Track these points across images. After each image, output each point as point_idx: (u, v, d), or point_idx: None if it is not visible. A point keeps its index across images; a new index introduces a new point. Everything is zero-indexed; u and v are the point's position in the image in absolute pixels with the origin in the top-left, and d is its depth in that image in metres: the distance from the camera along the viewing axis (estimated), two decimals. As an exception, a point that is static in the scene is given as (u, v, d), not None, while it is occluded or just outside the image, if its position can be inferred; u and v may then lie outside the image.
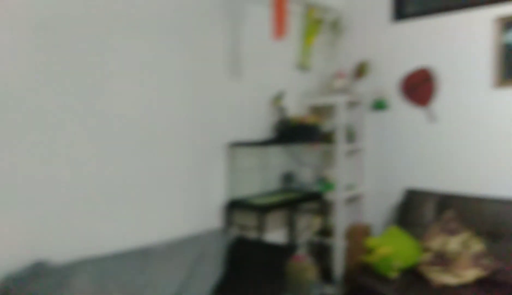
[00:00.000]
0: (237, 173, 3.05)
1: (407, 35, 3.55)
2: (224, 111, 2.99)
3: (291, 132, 3.26)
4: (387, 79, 3.66)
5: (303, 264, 2.51)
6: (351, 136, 3.71)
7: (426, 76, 3.44)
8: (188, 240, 2.58)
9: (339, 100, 3.49)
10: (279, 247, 2.58)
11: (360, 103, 3.82)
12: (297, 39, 3.61)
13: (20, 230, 2.03)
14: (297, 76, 3.63)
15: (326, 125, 3.88)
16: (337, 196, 3.55)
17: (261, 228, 2.77)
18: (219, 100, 2.95)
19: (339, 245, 3.58)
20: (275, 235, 3.44)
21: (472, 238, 2.89)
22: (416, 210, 3.26)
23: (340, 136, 3.49)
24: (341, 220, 3.56)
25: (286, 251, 2.52)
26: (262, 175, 3.29)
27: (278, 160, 3.45)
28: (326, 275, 3.66)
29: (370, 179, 3.81)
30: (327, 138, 3.66)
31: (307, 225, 3.77)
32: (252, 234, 3.06)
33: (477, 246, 2.84)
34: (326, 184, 3.71)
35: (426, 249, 2.98)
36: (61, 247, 2.17)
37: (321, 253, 3.72)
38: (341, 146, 3.50)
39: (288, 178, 3.51)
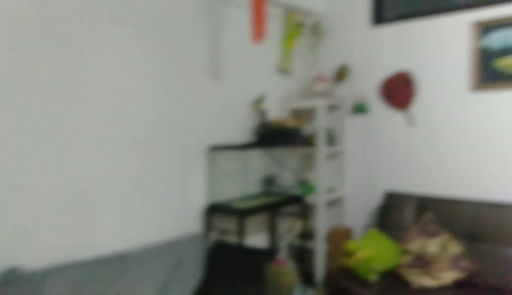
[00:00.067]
0: (217, 177, 3.03)
1: (386, 39, 3.58)
2: (204, 114, 2.97)
3: (272, 136, 3.25)
4: (367, 83, 3.69)
5: (284, 268, 2.50)
6: (331, 139, 3.72)
7: (405, 80, 3.48)
8: (166, 245, 2.55)
9: (320, 103, 3.50)
10: (258, 251, 2.56)
11: (340, 107, 3.83)
12: (277, 42, 3.61)
13: (-8, 236, 1.98)
14: (277, 79, 3.63)
15: (306, 129, 3.88)
16: (318, 199, 3.55)
17: (241, 232, 2.75)
18: (199, 103, 2.93)
19: (320, 248, 3.58)
20: (256, 239, 3.43)
21: (451, 240, 2.91)
22: (395, 213, 3.28)
23: (320, 140, 3.50)
24: (322, 223, 3.57)
25: (265, 255, 2.50)
26: (243, 179, 3.28)
27: (259, 163, 3.44)
28: (307, 278, 3.65)
29: (350, 182, 3.82)
30: (307, 141, 3.66)
31: (288, 229, 3.77)
32: (232, 238, 3.04)
33: (455, 248, 2.87)
34: (307, 187, 3.71)
35: (405, 252, 3.00)
36: (35, 253, 2.12)
37: (302, 256, 3.72)
38: (321, 149, 3.51)
39: (269, 181, 3.50)
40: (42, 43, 2.12)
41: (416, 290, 2.73)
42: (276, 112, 3.61)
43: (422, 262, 2.88)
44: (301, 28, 3.74)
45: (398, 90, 3.51)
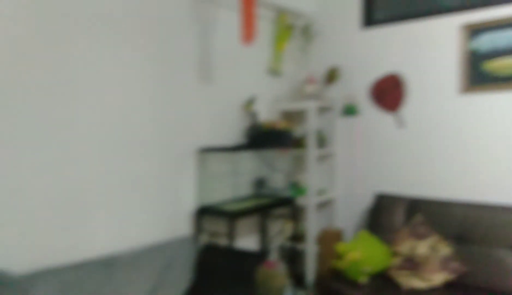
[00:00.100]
0: (207, 179, 3.02)
1: (376, 41, 3.59)
2: (194, 116, 2.96)
3: (263, 138, 3.25)
4: (357, 85, 3.70)
5: (274, 271, 2.49)
6: (322, 141, 3.72)
7: (395, 82, 3.49)
8: (156, 248, 2.53)
9: (310, 105, 3.50)
10: (249, 253, 2.55)
11: (331, 109, 3.84)
12: (268, 44, 3.61)
13: (-22, 240, 1.95)
14: (268, 81, 3.63)
15: (297, 131, 3.88)
16: (308, 201, 3.55)
17: (231, 234, 2.74)
18: (189, 105, 2.92)
19: (311, 250, 3.58)
20: (247, 241, 3.42)
21: (440, 241, 2.92)
22: (386, 215, 3.28)
23: (311, 142, 3.50)
24: (312, 225, 3.57)
25: (256, 257, 2.49)
26: (233, 181, 3.27)
27: (250, 165, 3.43)
28: (298, 280, 3.65)
29: (341, 183, 3.82)
30: (298, 143, 3.66)
31: (279, 231, 3.76)
32: (222, 241, 3.03)
33: (445, 249, 2.88)
34: (297, 189, 3.71)
35: (395, 253, 3.01)
36: (22, 256, 2.10)
37: (293, 258, 3.71)
38: (312, 151, 3.51)
39: (259, 183, 3.49)
40: (35, 44, 2.10)
41: (406, 292, 2.73)
42: (266, 114, 3.61)
43: (412, 264, 2.89)
44: (291, 30, 3.74)
45: (388, 92, 3.52)
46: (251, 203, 3.12)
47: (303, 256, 3.72)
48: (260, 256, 2.50)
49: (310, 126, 3.50)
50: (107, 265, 2.27)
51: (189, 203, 2.93)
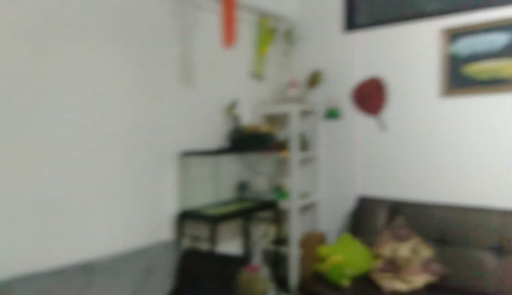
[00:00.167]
0: (189, 183, 2.99)
1: (358, 45, 3.62)
2: (176, 120, 2.93)
3: (245, 141, 3.24)
4: (340, 88, 3.71)
5: (256, 275, 2.48)
6: (305, 144, 3.73)
7: (376, 85, 3.51)
8: (136, 253, 2.50)
9: (293, 109, 3.51)
10: (230, 258, 2.54)
11: (314, 112, 3.85)
12: (251, 48, 3.61)
13: (-49, 247, 1.90)
14: (251, 85, 3.62)
15: (280, 134, 3.88)
16: (291, 204, 3.55)
17: (212, 239, 2.72)
18: (171, 108, 2.90)
19: (294, 253, 3.57)
20: (230, 245, 3.40)
21: (422, 244, 2.94)
22: (368, 217, 3.30)
23: (294, 145, 3.50)
24: (296, 228, 3.56)
25: (237, 262, 2.48)
26: (216, 185, 3.25)
27: (232, 169, 3.42)
28: (282, 284, 3.64)
29: (324, 187, 3.83)
30: (281, 147, 3.66)
31: (263, 234, 3.75)
32: (204, 245, 3.01)
33: (426, 252, 2.90)
34: (280, 192, 3.71)
35: (377, 256, 3.02)
36: (-3, 264, 2.05)
37: (276, 262, 3.71)
38: (295, 154, 3.51)
39: (242, 187, 3.48)
40: (12, 47, 2.06)
41: (388, 294, 2.74)
42: (249, 117, 3.60)
43: (394, 266, 2.90)
44: (274, 33, 3.74)
45: (370, 96, 3.54)
46: (234, 206, 3.11)
47: (287, 260, 3.71)
48: (242, 260, 2.49)
49: (293, 129, 3.50)
50: (86, 271, 2.23)
51: (170, 207, 2.90)
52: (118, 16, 2.55)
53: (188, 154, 2.91)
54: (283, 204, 3.58)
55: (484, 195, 3.07)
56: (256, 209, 3.13)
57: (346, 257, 2.92)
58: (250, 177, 3.56)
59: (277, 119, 3.93)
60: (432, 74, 3.26)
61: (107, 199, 2.52)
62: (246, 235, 3.52)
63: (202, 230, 3.06)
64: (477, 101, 3.09)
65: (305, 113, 3.90)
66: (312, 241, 3.48)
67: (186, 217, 2.88)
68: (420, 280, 2.80)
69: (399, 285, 2.79)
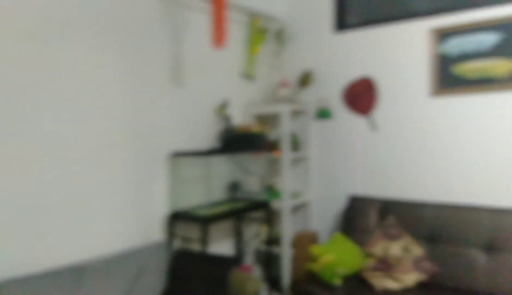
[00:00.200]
0: (180, 184, 2.98)
1: (349, 45, 3.63)
2: (166, 120, 2.92)
3: (236, 141, 3.24)
4: (331, 88, 3.72)
5: (248, 275, 2.47)
6: (296, 144, 3.73)
7: (367, 85, 3.53)
8: (127, 255, 2.48)
9: (284, 109, 3.51)
10: (222, 258, 2.53)
11: (305, 112, 3.85)
12: (241, 48, 3.61)
13: None
14: (242, 85, 3.62)
15: (271, 134, 3.88)
16: (283, 204, 3.55)
17: (204, 239, 2.71)
18: (161, 109, 2.89)
19: (286, 253, 3.57)
20: (222, 245, 3.40)
21: (413, 242, 2.96)
22: (359, 216, 3.31)
23: (285, 145, 3.50)
24: (288, 228, 3.56)
25: (229, 262, 2.47)
26: (207, 185, 3.24)
27: (224, 169, 3.41)
28: (274, 283, 3.64)
29: (315, 186, 3.84)
30: (272, 147, 3.66)
31: (255, 234, 3.75)
32: (196, 246, 3.00)
33: (417, 250, 2.91)
34: (272, 192, 3.71)
35: (369, 255, 3.03)
36: (-14, 267, 2.03)
37: (269, 261, 3.71)
38: (286, 154, 3.51)
39: (234, 187, 3.47)
40: (6, 49, 2.04)
41: (380, 293, 2.75)
42: (240, 117, 3.60)
43: (386, 265, 2.92)
44: (265, 33, 3.74)
45: (361, 96, 3.56)
46: (225, 207, 3.10)
47: (279, 260, 3.71)
48: (233, 261, 2.48)
49: (284, 129, 3.50)
50: (76, 274, 2.22)
51: (161, 208, 2.89)
52: (107, 18, 2.54)
53: (179, 155, 2.90)
54: (275, 204, 3.58)
55: (474, 194, 3.09)
56: (247, 209, 3.12)
57: (337, 256, 2.92)
58: (241, 177, 3.56)
59: (268, 120, 3.93)
60: (422, 74, 3.28)
61: (98, 200, 2.50)
62: (238, 235, 3.52)
63: (193, 231, 3.05)
64: (467, 101, 3.11)
65: (296, 113, 3.90)
66: (304, 241, 3.49)
67: (177, 218, 2.87)
68: (411, 278, 2.81)
69: (391, 284, 2.80)
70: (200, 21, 3.18)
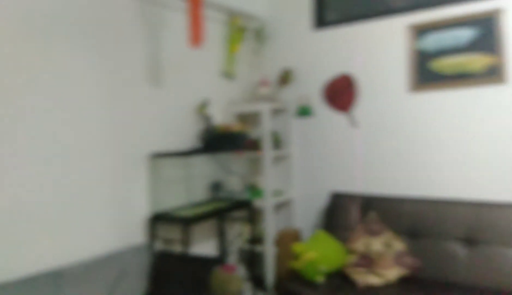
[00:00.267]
0: (161, 185, 2.96)
1: (328, 43, 3.64)
2: (145, 121, 2.89)
3: (217, 141, 3.22)
4: (311, 86, 3.73)
5: (230, 275, 2.47)
6: (278, 143, 3.73)
7: (347, 82, 3.54)
8: (107, 258, 2.45)
9: (264, 107, 3.50)
10: (203, 259, 2.52)
11: (286, 110, 3.85)
12: (221, 47, 3.59)
13: None
14: (222, 84, 3.60)
15: (253, 133, 3.87)
16: (266, 203, 3.54)
17: (185, 240, 2.69)
18: (140, 109, 2.86)
19: (269, 252, 3.57)
20: (205, 246, 3.38)
21: (394, 238, 2.98)
22: (341, 213, 3.32)
23: (266, 144, 3.50)
24: (270, 227, 3.56)
25: (210, 262, 2.46)
26: (188, 186, 3.22)
27: (205, 169, 3.39)
28: (258, 282, 3.64)
29: (298, 184, 3.84)
30: (254, 145, 3.65)
31: (238, 234, 3.74)
32: (178, 248, 2.98)
33: (399, 245, 2.93)
34: (254, 191, 3.70)
35: (351, 251, 3.04)
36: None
37: (252, 260, 3.70)
38: (267, 153, 3.51)
39: (216, 187, 3.46)
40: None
41: (362, 288, 2.76)
42: (221, 117, 3.58)
43: (368, 261, 2.93)
44: (244, 32, 3.73)
45: (341, 93, 3.57)
46: (207, 207, 3.09)
47: (262, 258, 3.71)
48: (214, 261, 2.47)
49: (265, 128, 3.50)
50: (55, 279, 2.18)
51: (142, 210, 2.86)
52: (83, 18, 2.50)
53: (159, 155, 2.87)
54: (258, 203, 3.57)
55: (454, 188, 3.12)
56: (230, 209, 3.11)
57: (320, 254, 2.93)
58: (223, 176, 3.54)
59: (249, 118, 3.92)
60: (401, 70, 3.30)
61: (76, 204, 2.46)
62: (221, 235, 3.50)
63: (174, 232, 3.03)
64: (445, 96, 3.14)
65: (277, 112, 3.90)
66: (287, 239, 3.49)
67: (158, 220, 2.84)
68: (393, 273, 2.83)
69: (373, 279, 2.82)
70: (178, 20, 3.15)
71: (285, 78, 3.74)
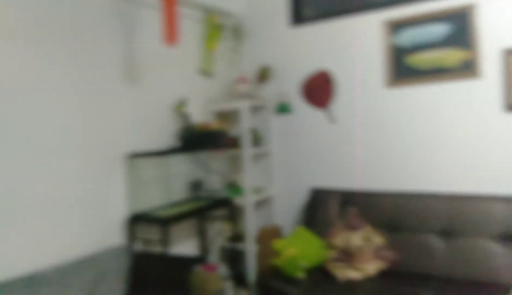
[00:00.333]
0: (139, 185, 2.93)
1: (305, 39, 3.64)
2: (122, 120, 2.86)
3: (196, 140, 3.20)
4: (289, 83, 3.73)
5: (209, 274, 2.46)
6: (257, 140, 3.73)
7: (324, 78, 3.55)
8: (85, 261, 2.42)
9: (243, 105, 3.49)
10: (183, 259, 2.50)
11: (265, 108, 3.85)
12: (198, 44, 3.56)
13: None
14: (200, 82, 3.58)
15: (232, 131, 3.86)
16: (246, 201, 3.54)
17: (164, 240, 2.67)
18: (115, 108, 2.82)
19: (251, 249, 3.57)
20: (186, 245, 3.36)
21: (373, 232, 3.01)
22: (321, 209, 3.34)
23: (245, 141, 3.49)
24: (251, 224, 3.56)
25: (190, 262, 2.45)
26: (167, 185, 3.20)
27: (184, 168, 3.37)
28: (240, 280, 3.63)
29: (278, 181, 3.85)
30: (233, 143, 3.64)
31: (219, 232, 3.73)
32: (157, 248, 2.95)
33: (378, 239, 2.96)
34: (234, 189, 3.69)
35: (331, 246, 3.06)
36: None
37: (234, 258, 3.69)
38: (247, 150, 3.50)
39: (196, 186, 3.44)
40: None
41: (342, 283, 2.78)
42: (200, 115, 3.56)
43: (347, 256, 2.95)
44: (221, 30, 3.71)
45: (319, 89, 3.58)
46: (187, 206, 3.07)
47: (244, 256, 3.71)
48: (194, 260, 2.46)
49: (244, 125, 3.49)
50: (31, 284, 2.14)
51: (120, 211, 2.83)
52: (56, 16, 2.45)
53: (137, 155, 2.84)
54: (238, 201, 3.57)
55: (431, 181, 3.16)
56: (209, 207, 3.10)
57: (300, 250, 2.94)
58: (203, 175, 3.53)
59: (228, 116, 3.91)
60: (377, 66, 3.33)
61: (51, 206, 2.42)
62: (201, 234, 3.49)
63: (154, 233, 3.00)
64: (421, 91, 3.17)
65: (256, 109, 3.90)
66: (268, 236, 3.49)
67: (137, 220, 2.82)
68: (372, 267, 2.86)
69: (353, 274, 2.84)
70: (154, 18, 3.12)
71: (263, 75, 3.74)
